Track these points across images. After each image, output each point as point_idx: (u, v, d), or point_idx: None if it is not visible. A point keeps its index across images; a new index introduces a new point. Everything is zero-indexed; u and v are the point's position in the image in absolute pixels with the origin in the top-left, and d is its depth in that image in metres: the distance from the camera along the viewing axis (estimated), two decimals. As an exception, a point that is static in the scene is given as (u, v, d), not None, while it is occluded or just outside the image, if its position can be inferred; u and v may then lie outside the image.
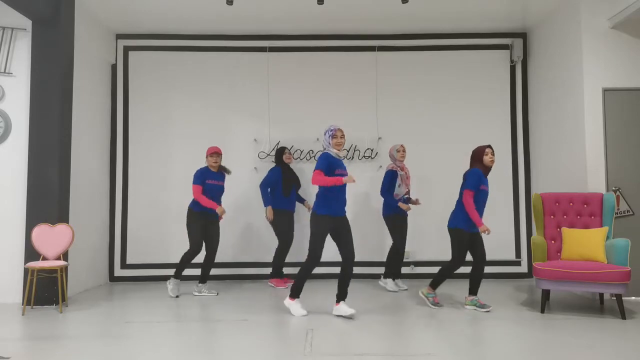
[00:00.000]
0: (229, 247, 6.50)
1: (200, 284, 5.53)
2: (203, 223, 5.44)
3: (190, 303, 5.14)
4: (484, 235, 4.81)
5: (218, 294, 5.51)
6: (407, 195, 5.71)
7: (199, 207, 5.41)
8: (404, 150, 5.70)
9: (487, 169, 4.69)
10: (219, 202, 5.53)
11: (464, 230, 4.60)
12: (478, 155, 4.71)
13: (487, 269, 4.78)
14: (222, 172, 5.62)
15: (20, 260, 5.11)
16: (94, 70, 6.17)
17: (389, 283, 5.71)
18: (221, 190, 5.58)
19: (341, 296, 4.44)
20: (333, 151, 4.40)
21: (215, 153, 5.50)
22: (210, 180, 5.47)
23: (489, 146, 4.70)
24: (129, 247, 6.54)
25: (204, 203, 5.32)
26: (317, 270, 6.25)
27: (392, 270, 5.74)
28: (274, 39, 6.71)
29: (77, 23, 5.51)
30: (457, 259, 4.63)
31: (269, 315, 4.53)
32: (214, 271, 5.86)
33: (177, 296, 5.42)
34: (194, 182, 5.39)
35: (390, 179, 5.57)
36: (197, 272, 5.78)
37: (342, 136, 4.42)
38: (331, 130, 4.41)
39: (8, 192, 5.23)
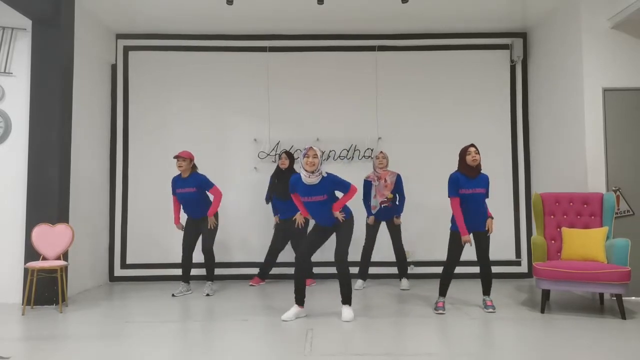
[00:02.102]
0: (229, 247, 6.50)
1: (209, 282, 5.58)
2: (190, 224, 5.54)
3: (190, 303, 5.14)
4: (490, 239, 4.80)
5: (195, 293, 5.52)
6: (384, 205, 5.60)
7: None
8: (383, 157, 5.69)
9: (472, 168, 4.59)
10: (193, 209, 5.44)
11: (457, 232, 4.58)
12: (461, 155, 4.68)
13: (487, 269, 4.78)
14: (195, 176, 5.38)
15: (20, 260, 5.11)
16: (94, 70, 6.16)
17: (403, 282, 5.81)
18: (191, 196, 5.36)
19: (343, 299, 4.43)
20: (303, 173, 4.30)
21: (177, 157, 5.32)
22: (179, 189, 5.41)
23: (472, 145, 4.65)
24: (129, 247, 6.54)
25: (174, 214, 5.56)
26: (316, 270, 6.28)
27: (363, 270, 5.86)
28: (274, 39, 6.71)
29: (77, 23, 5.50)
30: (448, 259, 4.65)
31: (269, 315, 4.53)
32: (214, 271, 5.87)
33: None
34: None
35: (365, 189, 5.69)
36: (197, 272, 5.80)
37: (315, 156, 4.24)
38: (305, 149, 4.32)
39: (8, 192, 5.23)
